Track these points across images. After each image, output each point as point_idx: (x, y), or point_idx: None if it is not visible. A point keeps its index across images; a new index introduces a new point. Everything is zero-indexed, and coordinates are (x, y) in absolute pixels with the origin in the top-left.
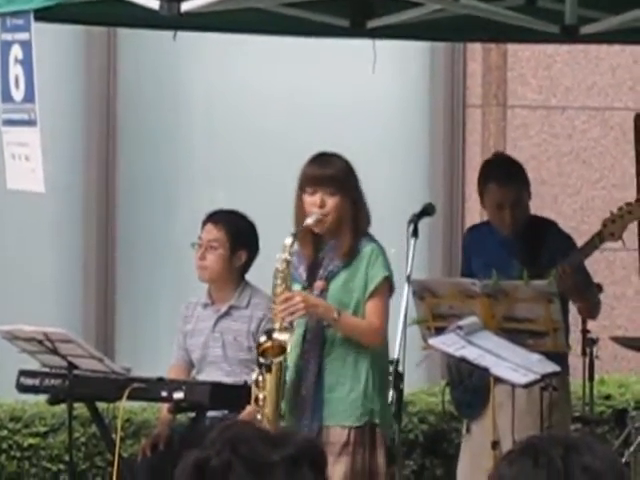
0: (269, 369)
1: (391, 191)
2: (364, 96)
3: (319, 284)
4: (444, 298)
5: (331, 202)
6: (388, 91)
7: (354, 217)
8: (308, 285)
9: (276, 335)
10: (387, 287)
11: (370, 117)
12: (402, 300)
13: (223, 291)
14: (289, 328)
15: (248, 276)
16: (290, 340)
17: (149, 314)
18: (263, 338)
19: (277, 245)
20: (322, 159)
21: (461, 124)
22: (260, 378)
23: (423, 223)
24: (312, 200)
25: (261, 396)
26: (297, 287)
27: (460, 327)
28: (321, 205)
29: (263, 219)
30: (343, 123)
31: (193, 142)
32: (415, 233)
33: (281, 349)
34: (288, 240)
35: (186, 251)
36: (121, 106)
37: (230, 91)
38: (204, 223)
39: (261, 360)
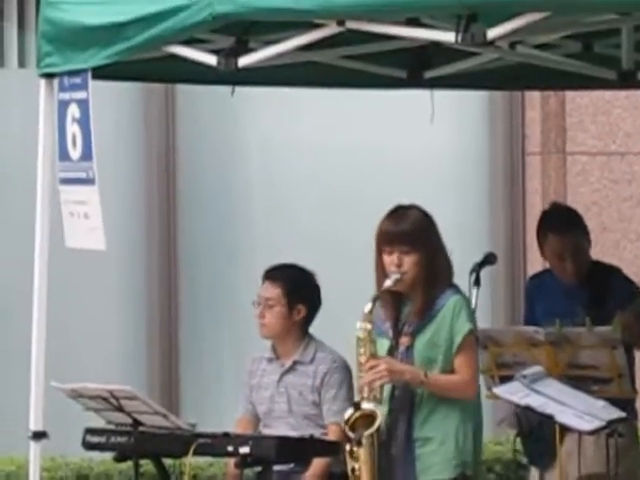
0: (360, 443)
1: (452, 240)
2: (423, 147)
3: (404, 340)
4: (507, 347)
5: (408, 260)
6: (447, 141)
7: (431, 273)
8: (394, 342)
9: (364, 405)
10: (474, 339)
11: (430, 168)
12: None
13: (286, 346)
14: (377, 397)
15: (318, 330)
16: (378, 410)
17: (213, 370)
18: (350, 411)
19: (345, 305)
20: (396, 215)
21: (521, 172)
22: (354, 448)
23: (485, 272)
24: (390, 259)
25: (356, 466)
26: (385, 342)
27: (524, 375)
28: (399, 264)
29: (327, 278)
30: (403, 175)
31: (252, 199)
32: (477, 282)
33: (371, 419)
34: (368, 307)
35: (249, 307)
36: (181, 163)
37: (287, 146)
38: (263, 280)
39: (351, 435)
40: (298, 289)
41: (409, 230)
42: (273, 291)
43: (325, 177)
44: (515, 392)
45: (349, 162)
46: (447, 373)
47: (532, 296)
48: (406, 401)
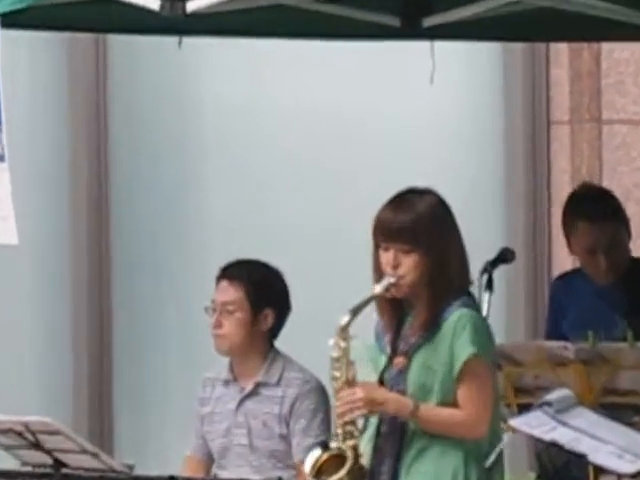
0: None
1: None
2: (420, 114)
3: (398, 361)
4: (528, 366)
5: (407, 261)
6: (451, 107)
7: (438, 279)
8: (390, 361)
9: (334, 444)
10: (481, 366)
11: (428, 141)
12: None
13: (247, 364)
14: (353, 434)
15: (284, 345)
16: (350, 450)
17: (155, 397)
18: (316, 452)
19: (320, 312)
20: (398, 202)
21: (545, 146)
22: None
23: (499, 273)
24: (386, 258)
25: None
26: (384, 360)
27: (549, 403)
28: (395, 265)
29: (298, 275)
30: (393, 149)
31: (204, 176)
32: (489, 285)
33: (341, 461)
34: (344, 320)
35: (198, 316)
36: (114, 132)
37: (251, 112)
38: (217, 280)
39: None
40: (264, 290)
41: (410, 223)
42: (233, 293)
43: (301, 150)
44: (537, 424)
45: (330, 131)
46: (448, 406)
47: (558, 302)
48: (394, 440)
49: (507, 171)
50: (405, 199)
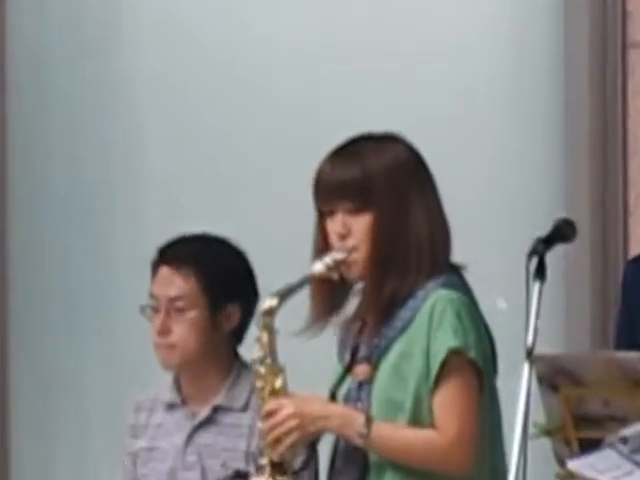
0: None
1: (495, 197)
2: (451, 38)
3: (360, 370)
4: (593, 387)
5: (358, 226)
6: (495, 29)
7: (401, 247)
8: (346, 370)
9: (255, 478)
10: (466, 367)
11: (460, 75)
12: (520, 391)
13: (202, 381)
14: (282, 468)
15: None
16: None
17: (67, 432)
18: None
19: (295, 304)
20: (343, 151)
21: (619, 82)
22: None
23: (555, 255)
24: (331, 226)
25: None
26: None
27: (624, 439)
28: (343, 233)
29: (265, 246)
30: (410, 88)
31: (138, 121)
32: (540, 273)
33: None
34: (268, 303)
35: (131, 318)
36: (12, 65)
37: (208, 35)
38: (155, 266)
39: None
40: (225, 277)
41: (358, 175)
42: (182, 284)
43: (267, 86)
44: (607, 468)
45: (308, 62)
46: (422, 427)
47: (634, 296)
48: (355, 461)
49: (568, 115)
50: (353, 148)
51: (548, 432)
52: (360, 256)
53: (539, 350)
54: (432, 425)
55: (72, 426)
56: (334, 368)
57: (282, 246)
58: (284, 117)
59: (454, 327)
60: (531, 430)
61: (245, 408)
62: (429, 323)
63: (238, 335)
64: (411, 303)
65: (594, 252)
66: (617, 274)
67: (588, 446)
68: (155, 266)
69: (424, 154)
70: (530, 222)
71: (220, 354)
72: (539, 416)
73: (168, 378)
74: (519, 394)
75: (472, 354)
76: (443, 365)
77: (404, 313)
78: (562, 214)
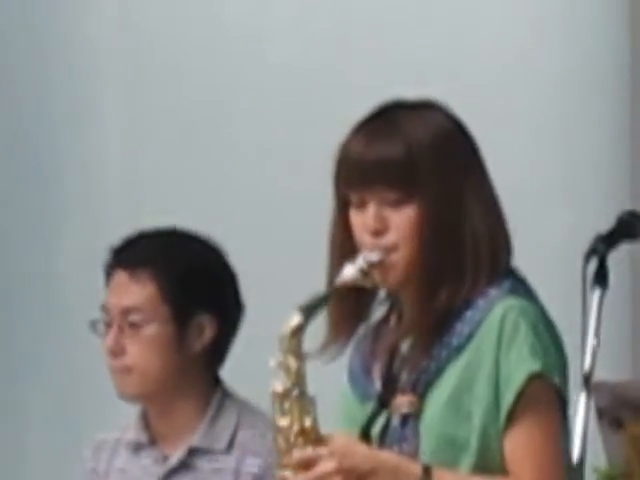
0: None
1: (546, 184)
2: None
3: (402, 401)
4: None
5: (399, 219)
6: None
7: (453, 246)
8: (379, 405)
9: None
10: (547, 395)
11: (493, 54)
12: (574, 426)
13: (173, 415)
14: None
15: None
16: None
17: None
18: None
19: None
20: (377, 123)
21: None
22: None
23: (618, 256)
24: (362, 220)
25: None
26: (369, 406)
27: None
28: (378, 229)
29: (248, 243)
30: (436, 71)
31: (93, 95)
32: (601, 278)
33: None
34: (293, 322)
35: (85, 332)
36: None
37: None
38: (109, 271)
39: None
40: (192, 282)
41: (401, 155)
42: (137, 292)
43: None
44: None
45: (308, 46)
46: (491, 472)
47: None
48: None
49: (634, 83)
50: (390, 118)
51: (611, 479)
52: (401, 257)
53: (599, 376)
54: (503, 469)
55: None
56: (342, 392)
57: (266, 242)
58: (259, 91)
59: (532, 345)
60: (590, 476)
61: (229, 449)
62: (498, 341)
63: (216, 355)
64: (469, 315)
65: None
66: None
67: None
68: (109, 270)
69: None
70: (589, 215)
71: (194, 380)
72: (599, 459)
73: (134, 410)
74: (574, 431)
75: (556, 379)
76: (521, 394)
77: (460, 328)
78: (628, 206)
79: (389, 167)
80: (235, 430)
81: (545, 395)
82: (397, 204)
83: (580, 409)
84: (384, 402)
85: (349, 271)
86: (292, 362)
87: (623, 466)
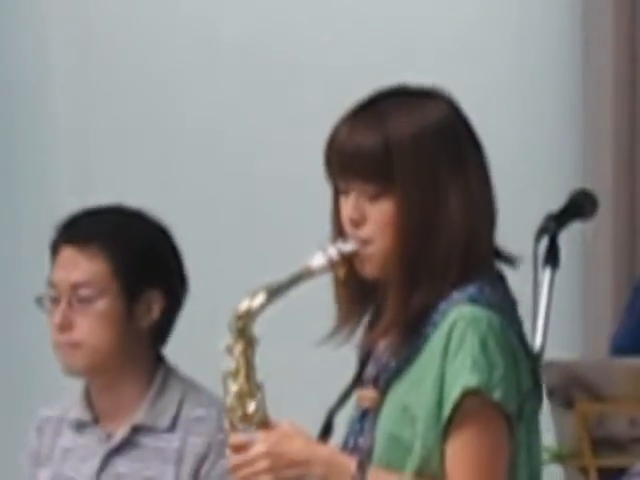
0: None
1: (496, 163)
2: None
3: (365, 394)
4: (617, 402)
5: (375, 214)
6: None
7: (429, 244)
8: (348, 392)
9: None
10: (485, 410)
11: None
12: None
13: (117, 394)
14: None
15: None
16: None
17: None
18: None
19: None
20: (367, 109)
21: None
22: None
23: (569, 236)
24: (345, 209)
25: None
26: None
27: None
28: (356, 220)
29: (195, 222)
30: (407, 52)
31: (44, 66)
32: (552, 257)
33: None
34: (248, 301)
35: (33, 309)
36: None
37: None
38: (55, 247)
39: None
40: (142, 258)
41: (378, 144)
42: (89, 268)
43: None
44: None
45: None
46: (433, 478)
47: None
48: None
49: (587, 54)
50: (377, 107)
51: (560, 458)
52: (375, 250)
53: (550, 355)
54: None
55: None
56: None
57: (215, 221)
58: (211, 73)
59: (474, 358)
60: (543, 454)
61: (172, 427)
62: (445, 349)
63: (161, 332)
64: (433, 317)
65: (618, 232)
66: None
67: (609, 476)
68: (55, 247)
69: None
70: (540, 194)
71: (139, 357)
72: (549, 438)
73: (77, 387)
74: None
75: (497, 395)
76: (457, 408)
77: (424, 329)
78: (579, 184)
79: (366, 160)
80: (179, 408)
81: (482, 410)
82: (375, 197)
83: None
84: (349, 393)
85: (318, 259)
86: (238, 345)
87: (573, 445)
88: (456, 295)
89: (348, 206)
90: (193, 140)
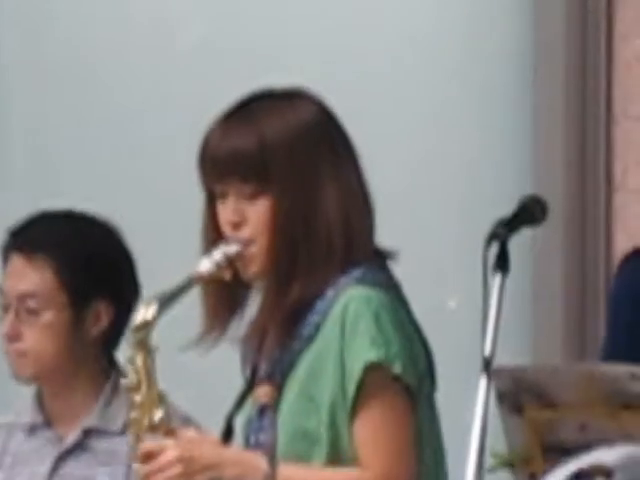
0: None
1: (444, 169)
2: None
3: (261, 392)
4: (567, 409)
5: (255, 212)
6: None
7: (307, 238)
8: (245, 392)
9: None
10: (391, 384)
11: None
12: (474, 412)
13: (68, 397)
14: None
15: None
16: None
17: None
18: None
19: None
20: (238, 112)
21: (603, 19)
22: None
23: (518, 242)
24: (223, 212)
25: None
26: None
27: (607, 471)
28: (237, 222)
29: (150, 224)
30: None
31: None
32: (502, 263)
33: None
34: (143, 313)
35: None
36: None
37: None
38: (6, 254)
39: None
40: (90, 267)
41: (253, 146)
42: (36, 278)
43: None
44: None
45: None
46: (342, 464)
47: (628, 295)
48: None
49: (537, 56)
50: (248, 110)
51: (510, 464)
52: (258, 250)
53: (499, 361)
54: (355, 460)
55: None
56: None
57: (169, 223)
58: (165, 76)
59: (372, 335)
60: (488, 461)
61: (123, 430)
62: (341, 331)
63: (112, 337)
64: (319, 305)
65: (569, 238)
66: (598, 266)
67: None
68: (5, 253)
69: (358, 115)
70: (489, 200)
71: (89, 363)
72: (499, 444)
73: (28, 392)
74: (474, 416)
75: (397, 368)
76: (361, 385)
77: (311, 318)
78: (529, 190)
79: (241, 161)
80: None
81: (385, 384)
82: (252, 197)
83: (480, 394)
84: (247, 393)
85: (205, 264)
86: (139, 356)
87: (523, 451)
88: (343, 280)
89: (227, 209)
90: (150, 147)
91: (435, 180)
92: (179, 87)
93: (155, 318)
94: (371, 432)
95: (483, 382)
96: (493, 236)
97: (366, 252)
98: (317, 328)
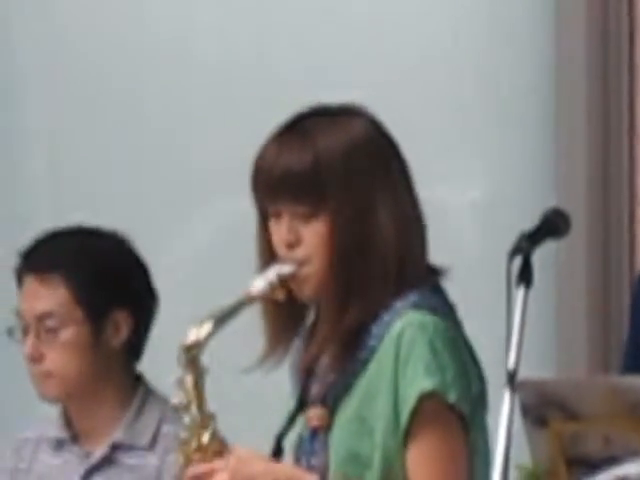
0: None
1: (467, 183)
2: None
3: (313, 414)
4: (591, 421)
5: (310, 232)
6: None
7: (364, 259)
8: (296, 413)
9: None
10: (442, 413)
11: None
12: (499, 425)
13: (95, 412)
14: None
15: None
16: None
17: None
18: None
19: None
20: (294, 129)
21: (625, 34)
22: None
23: (542, 255)
24: (277, 232)
25: None
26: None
27: None
28: (291, 242)
29: (162, 231)
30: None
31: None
32: (526, 276)
33: None
34: (196, 332)
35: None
36: None
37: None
38: (20, 276)
39: None
40: (104, 278)
41: (308, 164)
42: (50, 297)
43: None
44: None
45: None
46: None
47: None
48: None
49: (559, 73)
50: (302, 128)
51: (534, 477)
52: (313, 270)
53: (523, 374)
54: None
55: None
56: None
57: (187, 227)
58: (183, 89)
59: (426, 362)
60: (513, 475)
61: (152, 445)
62: (396, 357)
63: (134, 348)
64: (375, 330)
65: (592, 251)
66: (621, 279)
67: None
68: (19, 275)
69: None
70: (513, 213)
71: (114, 376)
72: (523, 457)
73: (54, 409)
74: (498, 429)
75: (452, 397)
76: (415, 413)
77: (367, 342)
78: (552, 203)
79: (296, 181)
80: (158, 426)
81: (439, 413)
82: (307, 217)
83: (504, 407)
84: (297, 413)
85: (258, 284)
86: (189, 377)
87: (548, 464)
88: (399, 304)
89: (282, 229)
90: (162, 154)
91: (457, 193)
92: (198, 94)
93: (207, 338)
94: (422, 461)
95: (507, 395)
96: (516, 250)
97: (420, 272)
98: (372, 352)
